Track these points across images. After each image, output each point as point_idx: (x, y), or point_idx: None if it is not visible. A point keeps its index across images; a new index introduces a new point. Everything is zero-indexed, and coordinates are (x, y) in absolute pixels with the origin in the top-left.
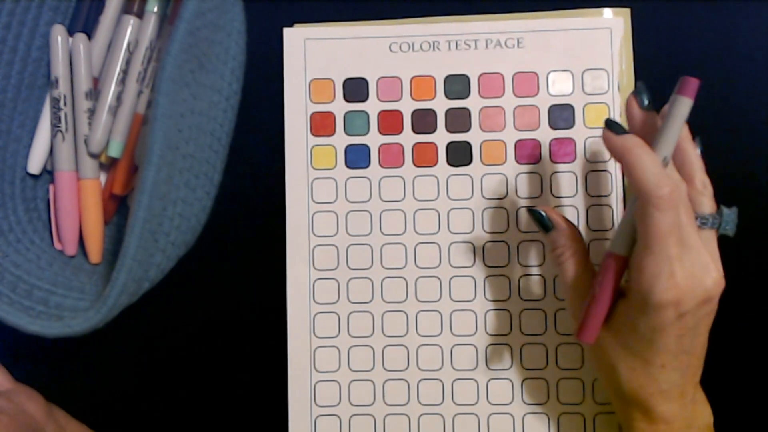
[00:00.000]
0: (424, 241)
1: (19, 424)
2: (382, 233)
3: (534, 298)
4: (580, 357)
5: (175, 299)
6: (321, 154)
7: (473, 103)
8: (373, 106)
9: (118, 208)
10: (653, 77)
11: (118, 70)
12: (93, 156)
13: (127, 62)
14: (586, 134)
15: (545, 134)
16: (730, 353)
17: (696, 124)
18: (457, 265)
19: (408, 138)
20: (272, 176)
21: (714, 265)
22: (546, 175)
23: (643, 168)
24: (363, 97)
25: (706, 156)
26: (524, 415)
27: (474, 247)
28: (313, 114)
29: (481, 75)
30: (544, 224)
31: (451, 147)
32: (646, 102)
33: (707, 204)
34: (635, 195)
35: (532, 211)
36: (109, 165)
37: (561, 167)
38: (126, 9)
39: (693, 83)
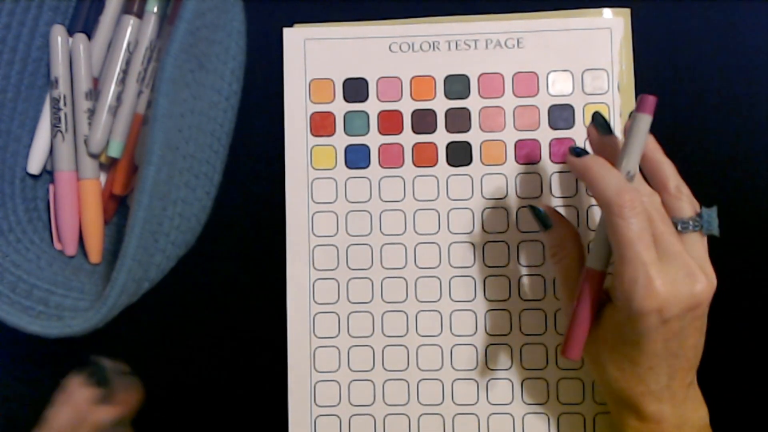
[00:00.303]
0: (424, 241)
1: None
2: (382, 233)
3: (534, 298)
4: None
5: (175, 299)
6: (321, 154)
7: (473, 103)
8: (373, 106)
9: (118, 208)
10: (653, 77)
11: (118, 70)
12: (93, 156)
13: (127, 62)
14: (586, 134)
15: (545, 134)
16: (728, 353)
17: (696, 124)
18: (457, 265)
19: (408, 138)
20: (272, 176)
21: (701, 271)
22: (546, 175)
23: (603, 181)
24: (363, 97)
25: (706, 156)
26: (524, 415)
27: (474, 247)
28: (313, 114)
29: (481, 75)
30: (543, 221)
31: (451, 147)
32: (602, 132)
33: (686, 208)
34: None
35: (533, 208)
36: (109, 165)
37: (561, 167)
38: (126, 9)
39: (651, 100)
